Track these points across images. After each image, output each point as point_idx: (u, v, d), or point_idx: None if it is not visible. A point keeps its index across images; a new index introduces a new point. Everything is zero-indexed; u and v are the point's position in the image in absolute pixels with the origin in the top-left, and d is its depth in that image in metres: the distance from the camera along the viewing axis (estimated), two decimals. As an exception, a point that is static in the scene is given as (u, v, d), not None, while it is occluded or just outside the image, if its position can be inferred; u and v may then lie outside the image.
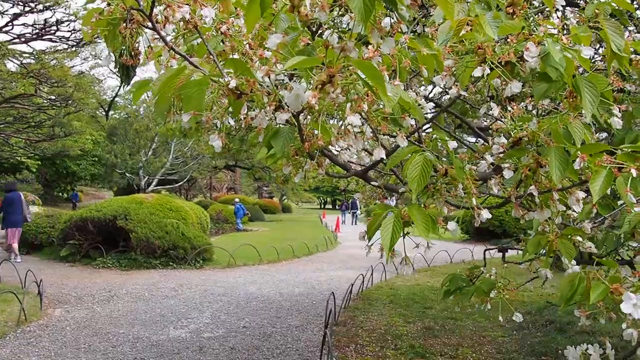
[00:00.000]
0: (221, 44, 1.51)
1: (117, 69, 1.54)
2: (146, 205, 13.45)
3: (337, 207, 57.97)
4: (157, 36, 1.47)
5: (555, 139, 1.64)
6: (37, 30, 16.36)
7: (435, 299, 9.40)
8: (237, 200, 25.34)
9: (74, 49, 17.84)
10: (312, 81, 1.23)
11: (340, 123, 1.47)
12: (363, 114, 1.36)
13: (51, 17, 16.19)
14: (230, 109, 1.35)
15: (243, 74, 1.27)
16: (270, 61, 1.29)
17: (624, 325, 1.66)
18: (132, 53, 1.47)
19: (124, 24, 1.38)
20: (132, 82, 1.60)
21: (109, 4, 1.43)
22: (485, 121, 3.62)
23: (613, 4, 1.98)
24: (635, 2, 3.02)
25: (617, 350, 2.44)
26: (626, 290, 1.62)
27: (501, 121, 1.99)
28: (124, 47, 1.46)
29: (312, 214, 45.57)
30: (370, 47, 1.28)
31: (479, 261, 12.28)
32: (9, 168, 30.78)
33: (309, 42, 1.31)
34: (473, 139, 4.49)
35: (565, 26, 1.68)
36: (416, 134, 1.97)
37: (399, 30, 1.35)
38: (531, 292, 9.63)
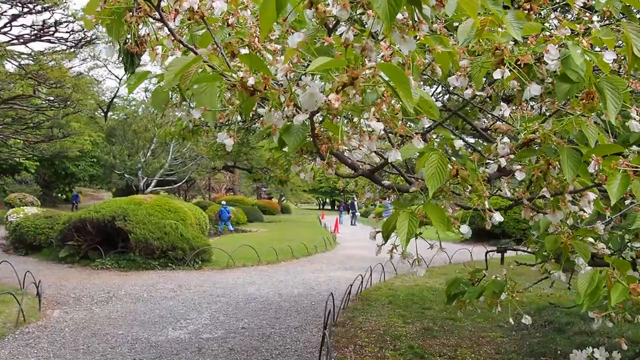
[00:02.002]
0: (228, 36, 1.49)
1: (121, 58, 1.50)
2: (145, 206, 13.43)
3: (335, 207, 57.97)
4: (161, 26, 1.44)
5: (576, 139, 1.64)
6: (35, 32, 16.34)
7: (434, 299, 9.39)
8: (223, 202, 25.04)
9: (72, 50, 17.82)
10: (330, 81, 1.21)
11: (351, 124, 1.45)
12: (378, 114, 1.34)
13: (50, 18, 16.17)
14: (241, 107, 1.33)
15: (259, 70, 1.26)
16: (289, 58, 1.26)
17: None
18: (138, 41, 1.44)
19: (130, 13, 1.36)
20: (135, 70, 1.57)
21: None
22: (485, 122, 3.61)
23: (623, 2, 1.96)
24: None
25: (619, 351, 2.44)
26: None
27: (502, 121, 1.98)
28: (129, 35, 1.43)
29: (311, 214, 45.56)
30: (382, 44, 1.25)
31: (478, 262, 12.27)
32: (8, 169, 30.71)
33: (332, 41, 1.29)
34: (472, 140, 4.49)
35: (586, 28, 1.67)
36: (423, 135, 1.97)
37: (419, 29, 1.31)
38: (530, 292, 9.62)
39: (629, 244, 2.75)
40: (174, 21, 1.40)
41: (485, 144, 2.53)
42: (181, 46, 1.44)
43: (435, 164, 1.54)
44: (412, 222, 1.49)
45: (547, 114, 1.97)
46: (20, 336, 6.82)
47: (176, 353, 6.27)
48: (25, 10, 15.55)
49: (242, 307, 8.87)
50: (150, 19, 1.42)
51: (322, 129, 1.35)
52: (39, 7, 15.47)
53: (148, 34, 1.48)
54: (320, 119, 1.43)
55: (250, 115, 1.35)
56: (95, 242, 13.03)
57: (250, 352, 6.39)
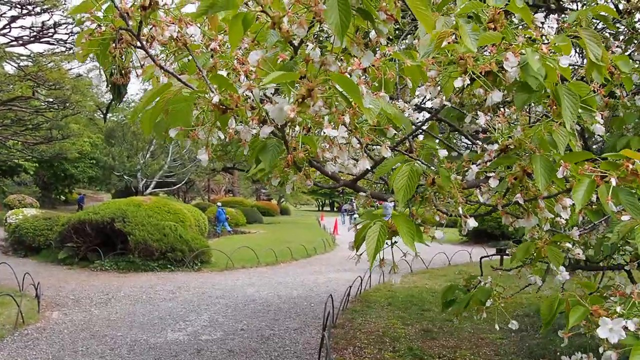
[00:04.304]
0: (210, 60, 1.55)
1: (109, 88, 1.58)
2: (144, 207, 13.44)
3: (335, 209, 58.16)
4: (146, 55, 1.50)
5: (541, 146, 1.66)
6: (34, 33, 16.35)
7: (434, 301, 9.41)
8: (219, 204, 25.10)
9: (71, 51, 17.81)
10: (292, 95, 1.27)
11: (325, 134, 1.50)
12: (348, 125, 1.38)
13: (49, 20, 16.19)
14: (218, 124, 1.39)
15: (227, 89, 1.31)
16: (250, 76, 1.33)
17: (601, 349, 1.66)
18: (123, 72, 1.51)
19: (114, 44, 1.42)
20: (123, 99, 1.63)
21: (99, 25, 1.47)
22: (483, 124, 3.63)
23: (598, 12, 2.00)
24: (622, 12, 3.04)
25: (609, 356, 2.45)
26: (607, 310, 1.62)
27: (484, 130, 2.01)
28: (114, 67, 1.51)
29: (310, 216, 45.55)
30: (355, 59, 1.31)
31: (477, 263, 12.31)
32: (7, 170, 30.73)
33: (288, 57, 1.36)
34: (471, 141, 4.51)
35: (543, 35, 1.71)
36: (407, 143, 2.00)
37: (380, 43, 1.38)
38: (529, 294, 9.62)
39: (620, 248, 2.77)
40: (152, 47, 1.46)
41: (482, 147, 2.55)
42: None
43: (407, 176, 1.57)
44: (381, 235, 1.51)
45: (535, 120, 1.99)
46: (19, 338, 6.84)
47: (175, 355, 6.29)
48: (24, 11, 15.56)
49: (241, 308, 8.89)
50: (135, 48, 1.48)
51: (298, 142, 1.38)
52: (38, 9, 15.48)
53: (141, 65, 1.54)
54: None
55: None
56: (94, 244, 13.06)
57: (249, 353, 6.40)
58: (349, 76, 1.28)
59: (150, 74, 1.54)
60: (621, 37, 3.01)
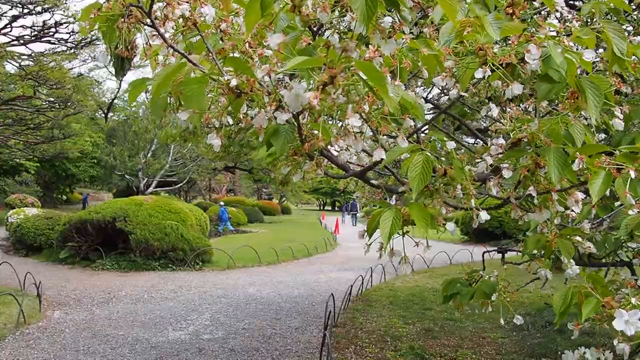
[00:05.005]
0: (220, 42, 1.51)
1: (112, 62, 1.52)
2: (145, 207, 13.43)
3: (336, 208, 58.22)
4: (155, 33, 1.46)
5: (555, 140, 1.64)
6: (35, 32, 16.35)
7: (435, 300, 9.40)
8: (221, 203, 25.22)
9: (72, 50, 17.82)
10: (312, 81, 1.24)
11: (340, 123, 1.47)
12: (363, 114, 1.36)
13: (50, 19, 16.19)
14: (230, 108, 1.35)
15: (244, 73, 1.28)
16: (270, 60, 1.30)
17: (615, 341, 1.64)
18: (128, 46, 1.46)
19: (122, 19, 1.38)
20: (126, 74, 1.58)
21: (107, 0, 1.43)
22: (485, 122, 3.62)
23: (610, 4, 1.97)
24: (632, 3, 3.02)
25: (615, 353, 2.44)
26: (619, 302, 1.61)
27: (500, 122, 1.99)
28: (119, 40, 1.46)
29: (311, 215, 45.54)
30: (371, 47, 1.28)
31: (478, 262, 12.30)
32: (8, 170, 30.76)
33: (310, 42, 1.32)
34: (472, 140, 4.50)
35: (566, 28, 1.68)
36: (414, 135, 1.97)
37: (401, 31, 1.35)
38: (530, 293, 9.62)
39: (624, 244, 2.75)
40: (164, 27, 1.42)
41: (483, 144, 2.53)
42: (176, 53, 1.45)
43: (421, 165, 1.55)
44: (396, 220, 1.50)
45: (534, 113, 1.98)
46: (20, 337, 6.83)
47: (177, 354, 6.27)
48: (25, 11, 15.56)
49: (243, 307, 8.88)
50: (143, 26, 1.43)
51: (311, 130, 1.36)
52: (39, 8, 15.48)
53: (147, 43, 1.50)
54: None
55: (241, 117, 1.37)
56: (95, 243, 13.04)
57: (250, 352, 6.39)
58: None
59: (155, 52, 1.50)
60: (625, 33, 3.00)
